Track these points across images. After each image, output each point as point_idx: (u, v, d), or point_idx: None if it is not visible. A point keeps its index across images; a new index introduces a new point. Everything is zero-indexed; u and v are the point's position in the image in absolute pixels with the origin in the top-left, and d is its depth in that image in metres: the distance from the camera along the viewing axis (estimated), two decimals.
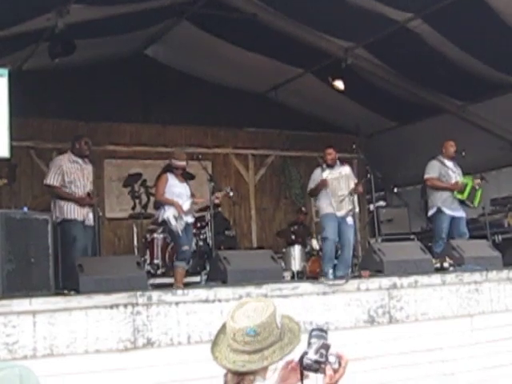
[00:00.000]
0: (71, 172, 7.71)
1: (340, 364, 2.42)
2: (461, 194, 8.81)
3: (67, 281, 6.01)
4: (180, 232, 8.05)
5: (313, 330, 2.46)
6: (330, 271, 8.42)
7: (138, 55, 12.05)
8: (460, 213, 8.90)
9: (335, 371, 2.41)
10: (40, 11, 8.12)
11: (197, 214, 8.68)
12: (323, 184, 8.59)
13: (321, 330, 2.45)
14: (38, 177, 11.00)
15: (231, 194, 8.72)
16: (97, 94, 11.29)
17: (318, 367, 2.40)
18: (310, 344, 2.41)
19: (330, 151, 8.80)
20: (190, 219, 8.24)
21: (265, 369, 2.43)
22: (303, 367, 2.41)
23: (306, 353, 2.40)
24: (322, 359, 2.39)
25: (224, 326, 2.50)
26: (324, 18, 9.73)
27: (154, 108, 11.94)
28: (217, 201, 8.56)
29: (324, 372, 2.40)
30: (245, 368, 2.39)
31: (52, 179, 7.71)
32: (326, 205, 8.61)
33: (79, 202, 7.62)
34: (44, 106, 10.98)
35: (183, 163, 8.34)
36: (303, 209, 12.08)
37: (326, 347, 2.40)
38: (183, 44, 11.45)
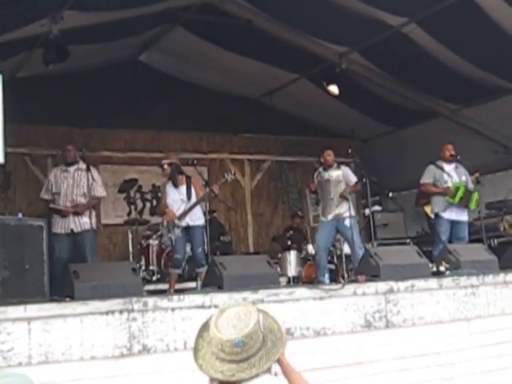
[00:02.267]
0: (58, 182, 7.89)
1: None
2: (452, 198, 8.79)
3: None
4: (173, 240, 8.07)
5: None
6: (326, 276, 8.41)
7: (133, 61, 12.04)
8: (461, 217, 8.88)
9: None
10: (34, 17, 8.10)
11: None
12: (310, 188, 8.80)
13: None
14: (32, 183, 10.99)
15: (229, 178, 8.38)
16: (91, 100, 11.26)
17: None
18: None
19: (330, 152, 8.86)
20: (188, 223, 8.19)
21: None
22: None
23: None
24: None
25: (203, 331, 2.49)
26: (318, 23, 9.73)
27: (148, 114, 11.92)
28: (216, 191, 8.33)
29: None
30: (234, 377, 2.38)
31: (43, 193, 8.12)
32: (320, 211, 8.70)
33: (60, 214, 7.76)
34: (39, 113, 10.93)
35: (164, 164, 8.36)
36: (299, 213, 12.07)
37: None
38: (177, 50, 11.44)
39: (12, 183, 10.95)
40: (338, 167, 8.88)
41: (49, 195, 7.99)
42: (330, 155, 8.83)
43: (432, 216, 9.14)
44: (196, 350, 2.50)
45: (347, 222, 8.55)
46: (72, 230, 7.71)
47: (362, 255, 7.78)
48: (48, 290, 5.29)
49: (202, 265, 8.11)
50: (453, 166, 9.06)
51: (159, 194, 9.58)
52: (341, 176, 8.80)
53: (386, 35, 9.70)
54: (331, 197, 8.63)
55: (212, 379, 2.44)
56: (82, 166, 7.91)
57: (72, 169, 7.90)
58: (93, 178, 7.86)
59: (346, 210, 8.58)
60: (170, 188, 8.32)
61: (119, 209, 11.60)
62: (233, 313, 2.43)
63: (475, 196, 8.89)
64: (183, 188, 8.28)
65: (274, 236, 12.39)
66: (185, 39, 10.85)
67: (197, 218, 8.21)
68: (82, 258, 7.49)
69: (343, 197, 8.61)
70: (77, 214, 7.74)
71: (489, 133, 11.84)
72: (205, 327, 2.56)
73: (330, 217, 8.59)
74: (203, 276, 8.10)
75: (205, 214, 8.31)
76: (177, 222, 8.10)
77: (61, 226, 7.74)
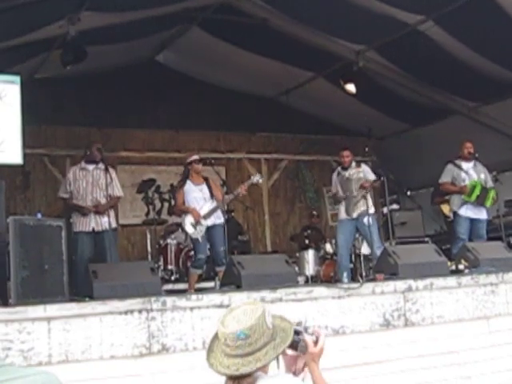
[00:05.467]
0: (77, 179, 7.91)
1: (317, 338, 2.61)
2: (468, 196, 8.80)
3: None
4: (200, 239, 8.03)
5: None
6: (345, 274, 8.40)
7: (150, 62, 12.06)
8: (480, 215, 8.88)
9: (314, 343, 2.60)
10: (52, 19, 8.15)
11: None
12: (337, 198, 8.80)
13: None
14: (51, 184, 11.06)
15: (260, 180, 8.61)
16: (109, 100, 11.33)
17: (297, 339, 2.57)
18: None
19: (347, 153, 8.91)
20: (212, 222, 8.18)
21: (265, 366, 2.46)
22: None
23: None
24: (300, 328, 2.61)
25: (217, 333, 2.53)
26: (335, 21, 9.72)
27: (166, 114, 11.96)
28: (244, 192, 8.43)
29: (305, 345, 2.59)
30: (238, 372, 2.42)
31: (61, 191, 8.19)
32: (341, 210, 8.75)
33: (80, 211, 7.77)
34: (57, 114, 11.03)
35: (194, 157, 8.36)
36: (314, 212, 12.05)
37: (301, 323, 2.66)
38: (194, 50, 11.46)
39: (31, 184, 11.02)
40: (358, 165, 8.95)
41: (67, 193, 8.01)
42: (348, 156, 8.92)
43: (450, 215, 9.16)
44: (210, 350, 2.54)
45: (366, 220, 8.59)
46: (93, 229, 7.76)
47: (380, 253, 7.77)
48: (68, 290, 5.33)
49: (223, 263, 8.10)
50: (471, 164, 9.06)
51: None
52: (361, 173, 8.86)
53: (403, 33, 9.66)
54: (354, 195, 8.69)
55: (220, 374, 2.48)
56: (101, 165, 7.95)
57: (91, 167, 7.93)
58: (111, 178, 7.90)
59: (366, 208, 8.64)
60: (189, 186, 8.29)
61: (137, 209, 11.64)
62: (240, 310, 2.48)
63: (491, 194, 8.89)
64: (204, 187, 8.29)
65: (291, 235, 12.38)
66: (201, 39, 10.87)
67: (218, 216, 8.22)
68: (103, 257, 7.54)
69: (364, 187, 8.65)
70: (98, 213, 7.78)
71: (507, 130, 11.75)
72: None
73: (354, 215, 8.66)
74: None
75: (223, 213, 8.33)
76: (203, 221, 8.09)
77: (82, 224, 7.78)
